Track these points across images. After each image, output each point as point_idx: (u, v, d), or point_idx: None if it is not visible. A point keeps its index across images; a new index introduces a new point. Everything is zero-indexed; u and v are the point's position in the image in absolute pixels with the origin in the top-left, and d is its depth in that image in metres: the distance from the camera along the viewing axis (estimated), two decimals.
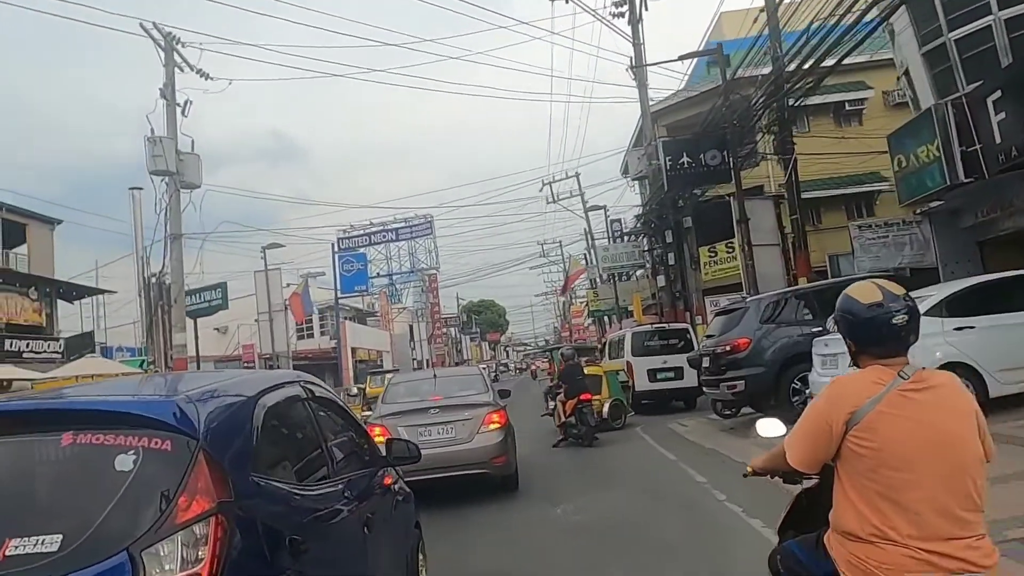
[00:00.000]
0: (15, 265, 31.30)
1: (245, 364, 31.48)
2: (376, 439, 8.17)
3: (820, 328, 9.80)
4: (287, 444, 3.19)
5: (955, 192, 11.63)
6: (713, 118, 15.39)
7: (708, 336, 11.18)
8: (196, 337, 33.70)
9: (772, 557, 2.60)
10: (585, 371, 13.08)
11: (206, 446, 2.28)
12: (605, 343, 22.27)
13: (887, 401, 2.11)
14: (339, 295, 39.76)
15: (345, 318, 57.33)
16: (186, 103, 20.28)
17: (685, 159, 15.96)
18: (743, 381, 9.92)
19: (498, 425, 8.12)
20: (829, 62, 11.81)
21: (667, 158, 16.24)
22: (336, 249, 39.94)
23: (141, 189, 22.21)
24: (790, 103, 12.77)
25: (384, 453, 4.24)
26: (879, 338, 2.20)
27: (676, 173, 16.17)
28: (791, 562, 2.47)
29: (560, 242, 49.46)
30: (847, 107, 24.08)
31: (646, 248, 24.12)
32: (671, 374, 17.74)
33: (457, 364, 75.37)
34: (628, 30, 22.37)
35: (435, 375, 9.84)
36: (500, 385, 11.74)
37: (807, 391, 9.86)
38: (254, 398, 2.82)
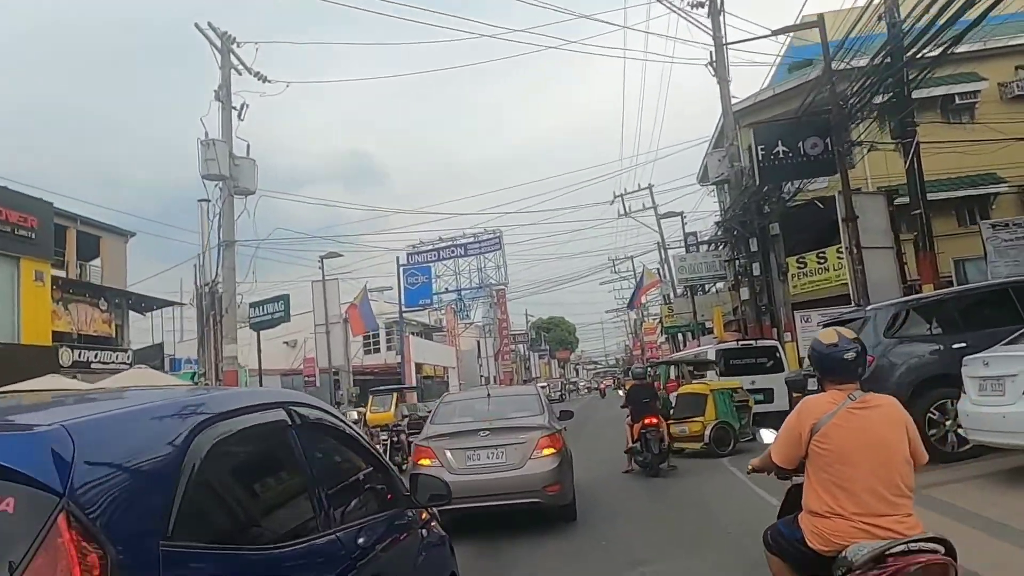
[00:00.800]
0: (88, 276, 31.79)
1: (307, 378, 30.76)
2: (422, 463, 7.47)
3: (963, 344, 7.82)
4: (246, 490, 2.38)
5: None
6: (813, 101, 13.40)
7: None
8: (259, 350, 33.53)
9: (765, 533, 3.42)
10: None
11: (74, 505, 1.53)
12: (666, 362, 20.30)
13: (839, 416, 3.01)
14: (403, 309, 38.79)
15: (412, 333, 56.86)
16: (242, 106, 19.58)
17: (780, 148, 14.00)
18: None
19: (553, 450, 7.46)
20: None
21: (759, 147, 14.31)
22: (401, 262, 39.02)
23: (209, 201, 21.71)
24: (911, 76, 10.78)
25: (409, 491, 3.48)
26: (835, 370, 3.12)
27: (770, 164, 14.21)
28: (776, 535, 3.32)
29: (632, 257, 47.62)
30: (957, 100, 21.55)
31: (727, 258, 22.03)
32: (760, 396, 15.91)
33: (525, 382, 74.20)
34: (708, 23, 20.61)
35: (489, 394, 9.11)
36: (566, 405, 10.66)
37: (947, 423, 7.86)
38: (192, 430, 1.99)
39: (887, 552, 2.76)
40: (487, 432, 7.52)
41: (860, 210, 11.82)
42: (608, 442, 17.98)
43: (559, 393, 58.34)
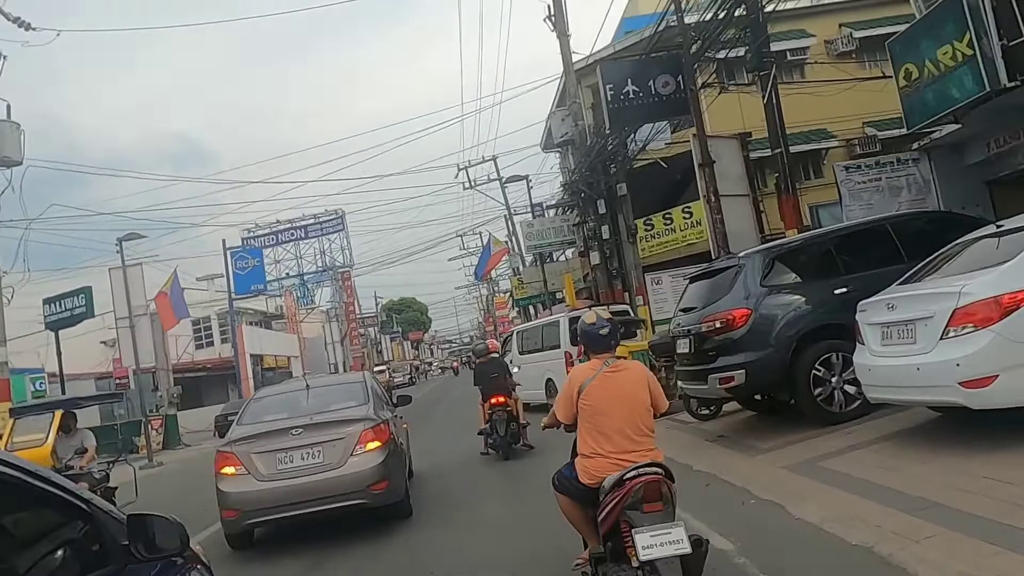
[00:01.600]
0: None
1: (118, 380, 26.87)
2: (224, 473, 6.66)
3: (844, 288, 6.88)
4: None
5: (976, 113, 8.97)
6: (662, 37, 12.33)
7: (683, 311, 8.06)
8: (59, 352, 29.02)
9: (553, 477, 4.19)
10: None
11: None
12: (511, 335, 19.12)
13: (597, 379, 3.85)
14: (234, 296, 35.29)
15: (249, 323, 52.62)
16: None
17: (631, 87, 12.87)
18: (742, 370, 6.85)
19: (378, 444, 6.76)
20: None
21: (608, 87, 13.10)
22: (228, 245, 35.40)
23: None
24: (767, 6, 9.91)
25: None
26: (594, 343, 3.97)
27: (620, 106, 13.05)
28: (560, 477, 4.08)
29: (479, 232, 46.24)
30: (788, 56, 21.67)
31: (575, 222, 21.07)
32: None
33: (377, 366, 71.62)
34: None
35: (307, 385, 8.22)
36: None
37: (833, 379, 6.90)
38: None
39: (624, 477, 3.53)
40: (299, 430, 6.69)
41: (715, 155, 10.87)
42: (463, 423, 16.72)
43: (408, 376, 56.28)
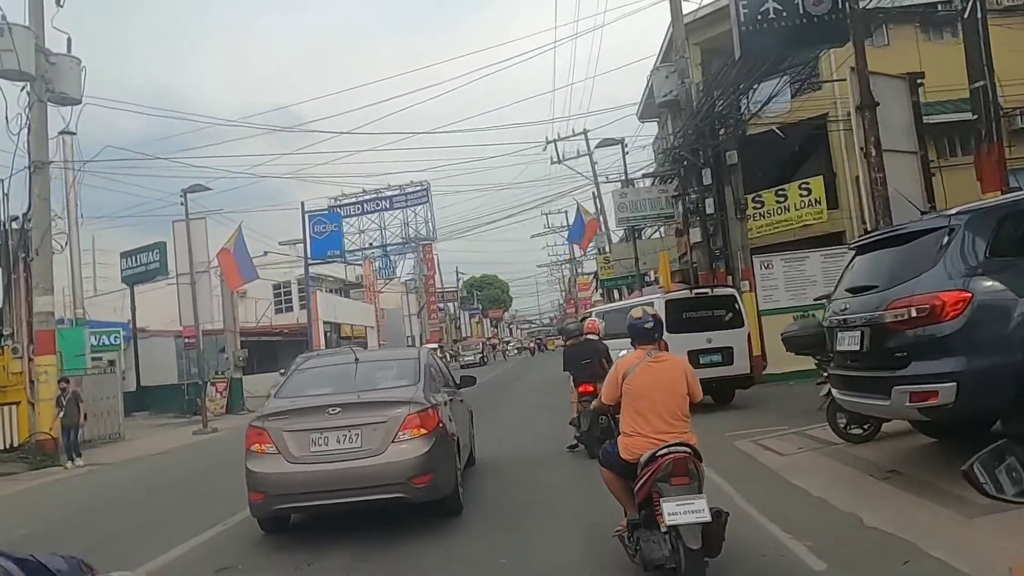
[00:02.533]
0: None
1: (186, 340, 26.23)
2: (253, 450, 6.04)
3: None
4: None
5: None
6: None
7: (852, 291, 5.65)
8: (133, 308, 28.80)
9: (599, 454, 4.96)
10: None
11: None
12: (585, 316, 16.87)
13: (640, 367, 4.39)
14: (311, 260, 34.38)
15: (330, 290, 52.23)
16: None
17: (771, 4, 10.28)
18: (952, 383, 4.53)
19: (423, 431, 6.03)
20: None
21: (741, 3, 10.58)
22: (307, 210, 34.43)
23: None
24: None
25: None
26: (639, 336, 4.58)
27: (755, 28, 10.49)
28: (605, 453, 4.66)
29: (566, 211, 43.72)
30: (939, 10, 18.45)
31: (674, 194, 18.56)
32: (718, 357, 12.75)
33: (456, 342, 70.66)
34: None
35: (356, 359, 7.30)
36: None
37: None
38: None
39: (657, 454, 4.06)
40: (337, 409, 6.03)
41: (877, 96, 8.33)
42: (540, 409, 14.93)
43: (480, 355, 53.66)
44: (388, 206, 54.27)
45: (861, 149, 8.56)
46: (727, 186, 17.33)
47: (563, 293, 79.36)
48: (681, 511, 3.70)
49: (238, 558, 5.82)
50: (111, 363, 21.24)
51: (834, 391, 6.14)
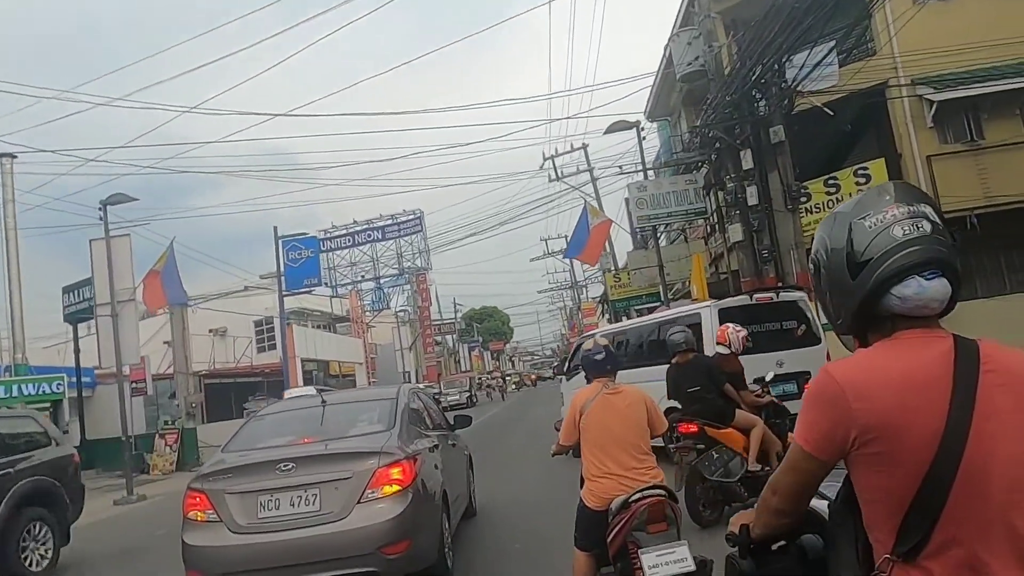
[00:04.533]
0: None
1: (134, 384, 22.49)
2: (191, 518, 5.18)
3: None
4: None
5: None
6: None
7: None
8: (77, 350, 25.20)
9: (575, 534, 4.15)
10: None
11: None
12: (577, 345, 13.23)
13: (596, 401, 4.07)
14: (286, 292, 30.85)
15: (316, 325, 48.62)
16: None
17: None
18: None
19: (396, 489, 5.05)
20: None
21: None
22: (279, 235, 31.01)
23: None
24: None
25: None
26: (592, 368, 4.28)
27: None
28: (576, 527, 4.11)
29: (565, 236, 40.10)
30: None
31: (704, 184, 14.97)
32: (792, 387, 9.24)
33: (453, 376, 66.80)
34: None
35: (323, 401, 6.29)
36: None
37: None
38: None
39: (630, 500, 3.69)
40: (290, 464, 5.04)
41: None
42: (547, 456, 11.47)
43: (465, 394, 47.52)
44: (380, 236, 51.13)
45: None
46: (770, 172, 13.87)
47: (566, 321, 75.73)
48: (663, 562, 3.44)
49: None
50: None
51: None
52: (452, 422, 7.91)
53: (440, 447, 6.49)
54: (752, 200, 13.74)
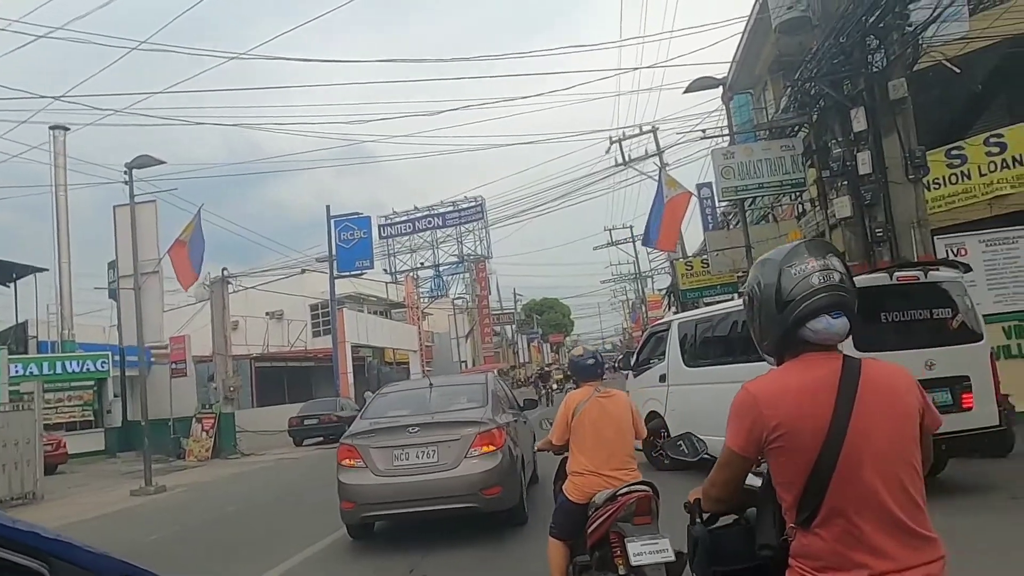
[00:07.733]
0: None
1: (173, 365, 21.48)
2: (344, 464, 7.09)
3: None
4: None
5: None
6: None
7: None
8: (120, 323, 24.40)
9: (550, 526, 4.43)
10: None
11: None
12: (657, 333, 11.04)
13: (588, 403, 4.27)
14: (337, 274, 29.60)
15: (373, 311, 47.56)
16: None
17: None
18: None
19: (492, 448, 6.88)
20: None
21: None
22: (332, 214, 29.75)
23: None
24: None
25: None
26: (581, 373, 4.53)
27: None
28: (554, 519, 4.38)
29: (632, 226, 37.72)
30: None
31: (801, 150, 12.62)
32: (946, 395, 7.11)
33: (513, 368, 65.20)
34: None
35: (431, 384, 8.52)
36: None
37: None
38: None
39: (618, 494, 3.90)
40: (416, 428, 7.00)
41: None
42: None
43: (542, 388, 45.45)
44: (441, 223, 49.84)
45: None
46: (889, 135, 11.52)
47: (629, 314, 73.13)
48: (647, 551, 3.66)
49: None
50: (24, 396, 16.54)
51: None
52: (522, 405, 9.73)
53: (515, 422, 8.12)
54: (864, 168, 11.42)
